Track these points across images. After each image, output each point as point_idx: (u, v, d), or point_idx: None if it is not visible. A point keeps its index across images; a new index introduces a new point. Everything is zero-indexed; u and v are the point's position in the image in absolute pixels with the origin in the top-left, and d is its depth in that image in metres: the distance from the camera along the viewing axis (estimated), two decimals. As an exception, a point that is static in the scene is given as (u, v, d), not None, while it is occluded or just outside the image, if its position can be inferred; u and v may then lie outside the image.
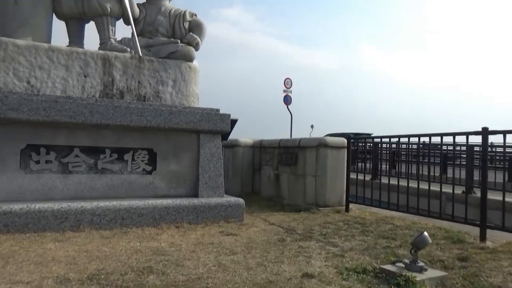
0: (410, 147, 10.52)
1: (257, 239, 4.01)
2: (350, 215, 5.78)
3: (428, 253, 3.62)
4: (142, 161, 4.57)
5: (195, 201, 4.51)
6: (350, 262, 3.24)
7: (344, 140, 6.52)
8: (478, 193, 8.78)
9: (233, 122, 7.97)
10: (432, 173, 5.44)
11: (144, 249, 3.48)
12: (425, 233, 2.74)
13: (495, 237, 4.17)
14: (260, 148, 8.25)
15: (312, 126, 40.52)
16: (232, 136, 7.59)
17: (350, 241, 4.01)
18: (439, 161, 10.65)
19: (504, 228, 4.02)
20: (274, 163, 7.68)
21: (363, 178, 6.31)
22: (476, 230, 4.26)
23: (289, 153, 7.15)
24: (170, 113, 4.54)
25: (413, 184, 5.23)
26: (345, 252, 3.57)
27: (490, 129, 4.26)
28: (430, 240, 2.82)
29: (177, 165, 4.68)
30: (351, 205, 6.17)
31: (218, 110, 4.95)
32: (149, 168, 4.60)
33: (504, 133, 4.17)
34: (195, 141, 4.80)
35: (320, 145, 6.35)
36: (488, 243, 4.06)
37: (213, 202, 4.59)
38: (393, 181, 5.71)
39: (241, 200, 4.78)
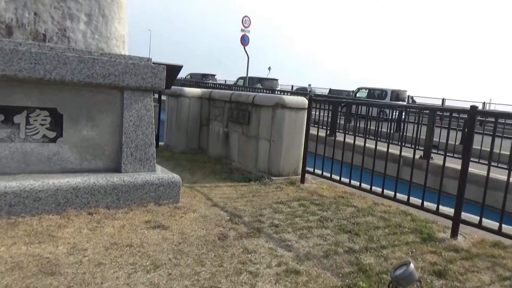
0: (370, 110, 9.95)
1: (192, 235, 3.16)
2: (306, 189, 5.09)
3: (399, 258, 3.01)
4: (42, 125, 3.41)
5: (115, 178, 3.50)
6: (309, 285, 2.51)
7: (304, 101, 5.64)
8: (436, 159, 8.55)
9: (177, 68, 6.76)
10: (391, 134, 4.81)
11: (28, 261, 2.50)
12: (411, 267, 2.04)
13: (464, 229, 3.67)
14: (209, 100, 7.18)
15: (269, 68, 39.23)
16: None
17: (307, 239, 3.29)
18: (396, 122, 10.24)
19: (481, 226, 3.49)
20: (224, 119, 6.70)
21: (317, 134, 5.57)
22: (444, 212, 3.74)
23: (242, 110, 6.18)
24: (81, 61, 3.33)
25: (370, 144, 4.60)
26: (301, 262, 2.83)
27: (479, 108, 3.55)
28: (416, 276, 2.14)
29: (92, 130, 3.57)
30: (307, 175, 5.48)
31: (149, 59, 3.79)
32: (52, 134, 3.46)
33: (496, 116, 3.49)
34: (117, 100, 3.68)
35: (277, 105, 5.43)
36: (460, 240, 3.55)
37: (139, 180, 3.61)
38: (350, 140, 5.06)
39: (176, 178, 3.84)
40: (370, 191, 4.56)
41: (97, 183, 3.37)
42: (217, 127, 6.93)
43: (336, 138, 10.55)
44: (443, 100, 21.64)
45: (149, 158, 3.79)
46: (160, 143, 7.79)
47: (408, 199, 4.12)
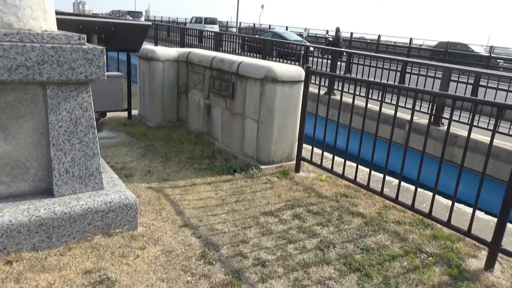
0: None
1: (148, 293, 2.33)
2: (301, 182, 4.22)
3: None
4: None
5: (42, 211, 2.55)
6: None
7: (300, 72, 4.55)
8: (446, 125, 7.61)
9: (143, 28, 5.52)
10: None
11: None
12: None
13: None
14: (187, 64, 6.02)
15: (262, 6, 36.56)
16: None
17: (302, 289, 2.47)
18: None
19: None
20: (204, 89, 5.63)
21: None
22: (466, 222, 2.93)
23: (224, 81, 5.10)
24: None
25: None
26: None
27: None
28: None
29: (6, 143, 2.57)
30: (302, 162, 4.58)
31: (80, 38, 2.68)
32: None
33: None
34: (38, 100, 2.63)
35: (266, 78, 4.36)
36: (498, 274, 2.77)
37: (78, 208, 2.67)
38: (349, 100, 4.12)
39: (131, 198, 2.90)
40: (381, 194, 3.69)
41: (14, 221, 2.45)
42: (197, 97, 5.87)
43: (333, 97, 9.52)
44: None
45: (92, 174, 2.83)
46: (133, 112, 6.76)
47: (431, 211, 3.27)
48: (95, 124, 2.80)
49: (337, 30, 19.64)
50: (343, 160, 4.25)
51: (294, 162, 4.70)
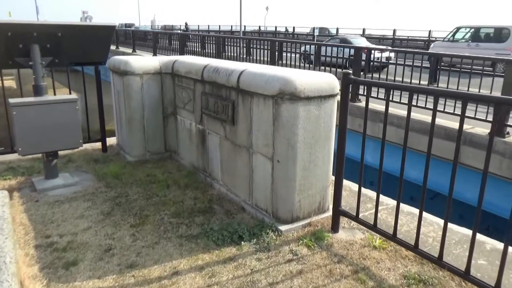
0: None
1: None
2: (347, 260, 2.67)
3: None
4: None
5: None
6: None
7: (332, 82, 3.01)
8: None
9: (107, 30, 4.06)
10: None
11: None
12: None
13: None
14: (173, 76, 4.54)
15: (267, 8, 35.17)
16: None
17: None
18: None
19: None
20: (196, 110, 4.13)
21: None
22: None
23: (221, 99, 3.59)
24: None
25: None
26: None
27: None
28: None
29: None
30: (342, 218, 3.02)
31: None
32: None
33: None
34: None
35: (282, 94, 2.82)
36: None
37: None
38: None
39: None
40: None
41: None
42: (187, 121, 4.37)
43: (358, 104, 7.97)
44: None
45: None
46: (113, 141, 5.30)
47: None
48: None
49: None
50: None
51: (328, 214, 3.17)
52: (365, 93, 6.25)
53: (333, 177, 3.11)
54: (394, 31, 22.41)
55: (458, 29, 15.54)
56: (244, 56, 15.09)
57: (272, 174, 3.05)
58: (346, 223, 3.16)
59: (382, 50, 10.55)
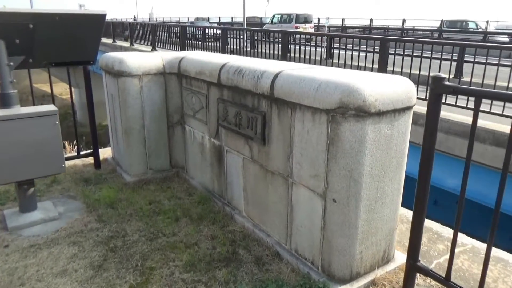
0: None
1: None
2: None
3: None
4: None
5: None
6: None
7: (410, 89, 2.16)
8: None
9: (97, 20, 3.20)
10: None
11: None
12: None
13: None
14: (180, 77, 3.68)
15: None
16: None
17: None
18: None
19: None
20: (210, 120, 3.28)
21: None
22: None
23: (246, 108, 2.73)
24: None
25: None
26: None
27: None
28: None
29: None
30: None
31: None
32: None
33: None
34: None
35: (344, 108, 1.96)
36: None
37: None
38: None
39: None
40: None
41: None
42: (199, 133, 3.52)
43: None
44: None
45: None
46: (108, 153, 4.48)
47: None
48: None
49: None
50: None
51: (395, 265, 2.35)
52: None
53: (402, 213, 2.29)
54: (404, 21, 21.45)
55: (274, 15, 25.33)
56: (248, 49, 14.18)
57: (323, 216, 2.22)
58: (422, 282, 2.33)
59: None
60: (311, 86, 2.12)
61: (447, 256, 2.51)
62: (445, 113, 5.86)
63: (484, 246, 2.71)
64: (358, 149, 2.01)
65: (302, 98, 2.19)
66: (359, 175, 2.05)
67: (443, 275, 2.12)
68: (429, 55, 6.34)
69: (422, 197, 2.07)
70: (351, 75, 2.13)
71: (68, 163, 4.15)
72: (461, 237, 2.82)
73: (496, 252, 2.65)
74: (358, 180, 2.06)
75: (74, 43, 3.04)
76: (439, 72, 6.12)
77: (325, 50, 10.91)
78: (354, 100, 1.93)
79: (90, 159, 4.22)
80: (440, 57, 6.29)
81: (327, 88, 2.03)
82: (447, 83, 1.87)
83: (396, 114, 2.09)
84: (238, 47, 13.32)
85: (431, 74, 1.93)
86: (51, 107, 2.75)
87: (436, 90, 1.90)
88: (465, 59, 6.96)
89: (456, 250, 2.53)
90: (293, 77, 2.29)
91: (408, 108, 2.15)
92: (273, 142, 2.53)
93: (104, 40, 19.97)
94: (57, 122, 2.72)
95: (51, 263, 2.49)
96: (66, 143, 4.90)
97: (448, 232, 2.89)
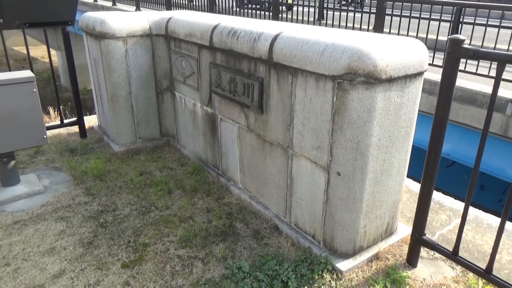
0: None
1: None
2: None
3: None
4: None
5: None
6: None
7: (422, 54, 1.98)
8: None
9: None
10: None
11: None
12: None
13: None
14: (168, 39, 3.42)
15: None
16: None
17: None
18: None
19: None
20: (203, 86, 3.07)
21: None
22: None
23: (241, 74, 2.53)
24: None
25: None
26: None
27: None
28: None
29: None
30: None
31: None
32: None
33: None
34: None
35: (352, 74, 1.78)
36: None
37: None
38: None
39: None
40: None
41: None
42: (190, 100, 3.32)
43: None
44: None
45: None
46: (94, 121, 4.26)
47: None
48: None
49: None
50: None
51: (398, 238, 2.29)
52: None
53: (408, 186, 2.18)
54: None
55: None
56: (236, 10, 13.50)
57: (326, 190, 2.10)
58: (426, 254, 2.27)
59: None
60: (315, 50, 1.93)
61: (450, 227, 2.45)
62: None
63: (486, 215, 2.66)
64: (366, 119, 1.86)
65: (304, 63, 2.00)
66: (366, 147, 1.91)
67: (447, 247, 2.06)
68: (427, 17, 6.07)
69: (432, 169, 1.96)
70: (360, 37, 1.93)
71: (52, 132, 3.94)
72: (461, 206, 2.76)
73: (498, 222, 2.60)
74: (365, 153, 1.92)
75: (49, 2, 2.74)
76: (437, 34, 5.89)
77: (318, 10, 10.45)
78: (363, 66, 1.75)
79: (75, 128, 4.00)
80: (439, 18, 6.03)
81: (334, 52, 1.84)
82: (466, 46, 1.70)
83: (407, 81, 1.93)
84: (227, 7, 12.68)
85: (448, 36, 1.73)
86: (27, 73, 2.50)
87: (454, 54, 1.73)
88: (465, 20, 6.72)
89: (458, 220, 2.47)
90: (294, 39, 2.08)
91: (420, 73, 1.98)
92: (272, 110, 2.35)
93: (85, -1, 18.91)
94: (34, 89, 2.49)
95: (37, 241, 2.36)
96: (51, 110, 4.63)
97: (450, 201, 2.82)
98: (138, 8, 16.28)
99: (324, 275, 2.05)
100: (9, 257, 2.21)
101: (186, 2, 15.07)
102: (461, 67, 5.32)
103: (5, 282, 2.02)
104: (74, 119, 3.93)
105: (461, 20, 6.06)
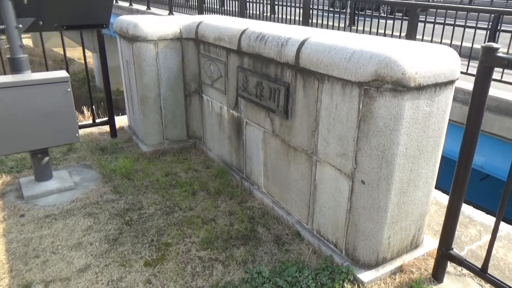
0: None
1: None
2: None
3: None
4: None
5: None
6: None
7: (454, 62, 1.92)
8: None
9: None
10: None
11: None
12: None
13: None
14: (198, 43, 3.48)
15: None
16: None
17: None
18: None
19: None
20: (229, 89, 3.10)
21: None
22: None
23: (268, 78, 2.53)
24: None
25: None
26: None
27: None
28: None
29: None
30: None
31: None
32: None
33: None
34: None
35: (379, 81, 1.75)
36: None
37: None
38: None
39: None
40: None
41: None
42: (217, 103, 3.36)
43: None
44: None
45: None
46: (122, 123, 4.39)
47: None
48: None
49: None
50: None
51: (424, 251, 2.21)
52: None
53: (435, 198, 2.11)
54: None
55: None
56: (268, 15, 13.56)
57: (349, 198, 2.06)
58: (453, 270, 2.18)
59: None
60: (342, 56, 1.91)
61: (480, 243, 2.35)
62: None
63: (520, 232, 2.53)
64: (393, 127, 1.81)
65: (331, 69, 1.98)
66: (393, 156, 1.87)
67: (476, 263, 1.98)
68: (463, 24, 5.88)
69: (461, 181, 1.89)
70: (388, 44, 1.90)
71: (84, 130, 4.09)
72: (493, 221, 2.64)
73: (533, 239, 2.47)
74: (391, 162, 1.88)
75: (86, 5, 2.87)
76: (472, 42, 5.69)
77: (349, 16, 10.35)
78: (391, 73, 1.71)
79: (107, 127, 4.13)
80: (475, 26, 5.83)
81: (361, 59, 1.81)
82: (500, 54, 1.63)
83: (437, 89, 1.87)
84: (257, 12, 12.77)
85: (481, 44, 1.67)
86: (62, 73, 2.62)
87: (487, 63, 1.66)
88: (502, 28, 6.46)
89: (489, 236, 2.36)
90: (322, 45, 2.07)
91: (451, 82, 1.92)
92: (297, 116, 2.35)
93: (121, 3, 19.52)
94: (69, 89, 2.60)
95: (66, 235, 2.44)
96: (85, 109, 4.81)
97: (481, 216, 2.71)
98: (171, 12, 16.67)
99: (345, 285, 2.01)
100: (39, 250, 2.31)
101: (218, 7, 15.29)
102: (498, 76, 5.13)
103: (34, 273, 2.11)
104: (105, 118, 4.06)
105: (498, 28, 5.83)
